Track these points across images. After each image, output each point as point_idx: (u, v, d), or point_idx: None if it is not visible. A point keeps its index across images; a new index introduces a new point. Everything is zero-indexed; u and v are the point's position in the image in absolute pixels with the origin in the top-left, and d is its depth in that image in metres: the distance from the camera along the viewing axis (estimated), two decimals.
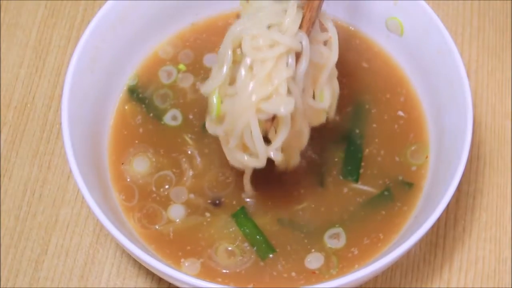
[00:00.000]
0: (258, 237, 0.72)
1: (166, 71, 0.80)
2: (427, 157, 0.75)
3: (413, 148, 0.76)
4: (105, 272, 0.78)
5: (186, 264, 0.71)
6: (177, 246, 0.72)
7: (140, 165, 0.75)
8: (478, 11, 0.90)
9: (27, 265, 0.78)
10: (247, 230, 0.72)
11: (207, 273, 0.70)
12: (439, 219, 0.66)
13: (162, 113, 0.78)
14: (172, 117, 0.78)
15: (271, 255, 0.71)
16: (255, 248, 0.71)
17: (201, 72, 0.80)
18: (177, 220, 0.73)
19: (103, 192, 0.71)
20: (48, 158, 0.82)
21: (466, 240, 0.79)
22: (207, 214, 0.73)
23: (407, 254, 0.66)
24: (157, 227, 0.73)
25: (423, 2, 0.75)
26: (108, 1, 0.74)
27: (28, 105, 0.85)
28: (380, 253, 0.71)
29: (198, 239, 0.72)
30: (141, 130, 0.77)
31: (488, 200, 0.81)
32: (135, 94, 0.78)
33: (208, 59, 0.80)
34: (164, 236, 0.72)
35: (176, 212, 0.73)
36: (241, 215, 0.72)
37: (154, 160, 0.75)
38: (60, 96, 0.71)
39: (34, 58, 0.88)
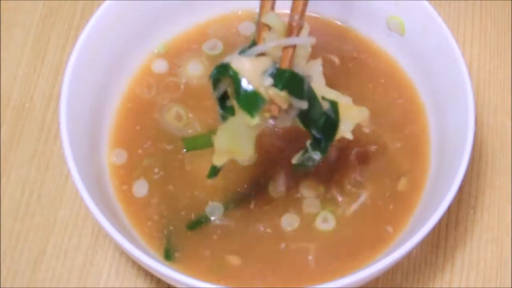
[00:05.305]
0: None
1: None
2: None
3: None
4: (104, 273, 0.77)
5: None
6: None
7: (142, 187, 0.75)
8: (480, 10, 0.90)
9: (25, 266, 0.77)
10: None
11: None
12: (440, 220, 0.65)
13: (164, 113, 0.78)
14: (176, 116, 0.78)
15: None
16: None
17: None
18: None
19: (102, 193, 0.71)
20: (46, 159, 0.82)
21: (468, 241, 0.79)
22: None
23: (408, 255, 0.66)
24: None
25: (425, 1, 0.75)
26: (107, 0, 0.74)
27: (26, 105, 0.85)
28: (381, 254, 0.71)
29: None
30: (141, 130, 0.77)
31: (490, 200, 0.81)
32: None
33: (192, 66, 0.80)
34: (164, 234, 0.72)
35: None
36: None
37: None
38: (59, 96, 0.70)
39: (32, 58, 0.87)
